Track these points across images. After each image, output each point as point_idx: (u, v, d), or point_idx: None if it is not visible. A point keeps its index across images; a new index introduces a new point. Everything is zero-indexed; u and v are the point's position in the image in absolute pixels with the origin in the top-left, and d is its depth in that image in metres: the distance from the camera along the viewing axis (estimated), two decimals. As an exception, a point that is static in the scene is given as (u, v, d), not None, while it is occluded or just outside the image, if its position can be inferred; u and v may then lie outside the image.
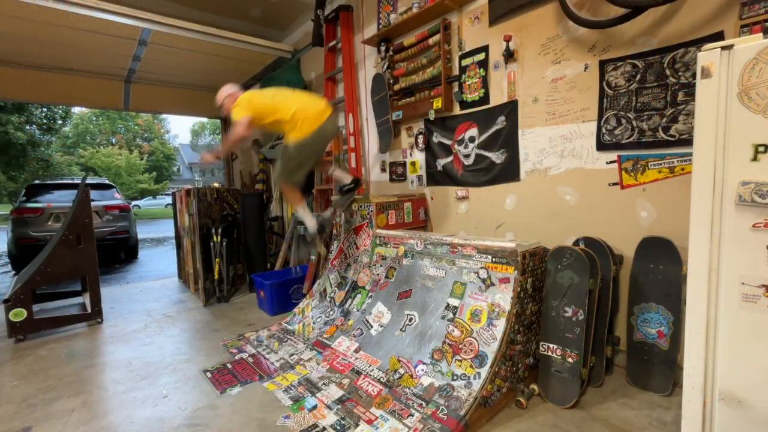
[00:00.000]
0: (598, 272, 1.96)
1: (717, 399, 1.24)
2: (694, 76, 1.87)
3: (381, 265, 2.76)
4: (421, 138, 3.35)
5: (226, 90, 2.91)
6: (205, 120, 30.23)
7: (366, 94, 3.86)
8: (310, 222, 2.92)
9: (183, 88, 5.54)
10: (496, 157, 2.80)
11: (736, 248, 1.18)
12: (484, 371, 1.81)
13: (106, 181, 8.04)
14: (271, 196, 5.58)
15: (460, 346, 1.97)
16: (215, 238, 3.93)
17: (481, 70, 2.84)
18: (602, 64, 2.21)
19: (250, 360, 2.53)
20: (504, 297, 1.96)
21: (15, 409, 2.06)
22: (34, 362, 2.64)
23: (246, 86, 5.60)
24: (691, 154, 1.80)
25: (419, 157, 3.42)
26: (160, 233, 12.11)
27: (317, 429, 1.77)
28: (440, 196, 3.29)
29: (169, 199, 22.09)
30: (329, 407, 1.93)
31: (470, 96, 2.93)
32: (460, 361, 1.92)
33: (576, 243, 2.27)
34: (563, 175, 2.45)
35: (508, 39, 2.59)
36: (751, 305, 1.17)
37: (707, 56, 1.20)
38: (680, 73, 1.94)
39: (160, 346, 2.86)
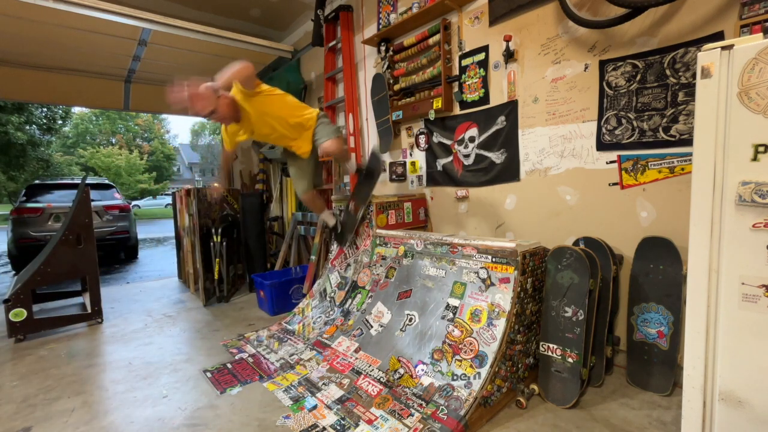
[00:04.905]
0: (598, 272, 1.96)
1: (717, 399, 1.24)
2: (694, 76, 1.88)
3: (381, 265, 2.76)
4: (421, 138, 3.35)
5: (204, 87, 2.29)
6: (205, 120, 30.18)
7: (366, 94, 3.86)
8: (331, 220, 3.22)
9: (183, 88, 5.54)
10: (496, 157, 2.80)
11: (736, 248, 1.18)
12: (484, 371, 1.81)
13: (106, 181, 8.04)
14: (271, 196, 5.58)
15: (460, 346, 1.97)
16: (215, 238, 3.93)
17: (481, 70, 2.84)
18: (602, 64, 2.21)
19: (250, 360, 2.53)
20: (504, 297, 1.96)
21: (15, 409, 2.06)
22: (34, 362, 2.64)
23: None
24: (691, 154, 1.80)
25: (419, 157, 3.42)
26: (160, 233, 12.12)
27: (317, 429, 1.77)
28: (440, 196, 3.29)
29: (169, 199, 22.10)
30: (329, 407, 1.93)
31: (470, 96, 2.93)
32: (460, 361, 1.92)
33: (576, 243, 2.27)
34: (563, 175, 2.45)
35: (508, 39, 2.59)
36: (751, 305, 1.17)
37: (707, 56, 1.20)
38: (680, 73, 1.94)
39: (160, 346, 2.86)
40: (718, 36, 1.81)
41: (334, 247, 3.32)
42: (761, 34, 1.36)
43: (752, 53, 1.13)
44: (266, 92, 2.57)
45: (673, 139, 1.98)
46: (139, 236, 9.08)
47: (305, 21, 4.73)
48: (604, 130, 2.23)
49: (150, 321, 3.43)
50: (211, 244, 3.94)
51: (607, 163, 2.24)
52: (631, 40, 2.10)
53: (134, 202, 21.88)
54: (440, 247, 2.37)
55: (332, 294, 3.04)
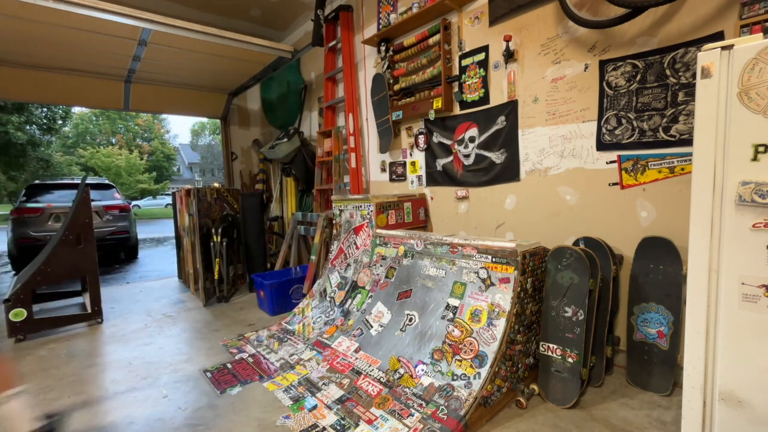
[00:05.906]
0: (598, 272, 1.96)
1: (717, 399, 1.24)
2: (694, 76, 1.88)
3: (381, 265, 2.76)
4: (421, 138, 3.35)
5: None
6: (205, 120, 30.24)
7: (366, 94, 3.86)
8: None
9: (183, 88, 5.53)
10: (496, 157, 2.80)
11: (736, 248, 1.18)
12: (484, 371, 1.81)
13: (106, 181, 8.04)
14: (271, 196, 5.59)
15: (460, 346, 1.97)
16: (215, 238, 3.93)
17: (481, 70, 2.84)
18: (602, 64, 2.21)
19: (250, 360, 2.53)
20: (504, 297, 1.96)
21: (15, 409, 2.06)
22: (34, 362, 2.64)
23: (246, 86, 5.61)
24: (691, 154, 1.80)
25: (419, 157, 3.42)
26: (160, 233, 12.11)
27: (317, 429, 1.77)
28: (440, 196, 3.29)
29: (169, 199, 22.10)
30: (329, 407, 1.93)
31: (470, 96, 2.93)
32: (460, 361, 1.92)
33: (576, 243, 2.27)
34: (563, 175, 2.45)
35: (508, 39, 2.59)
36: (751, 305, 1.17)
37: (707, 56, 1.20)
38: (680, 73, 1.94)
39: (160, 346, 2.86)
40: (718, 36, 1.81)
41: (334, 247, 3.32)
42: (761, 34, 1.36)
43: (752, 53, 1.13)
44: None
45: (673, 139, 1.98)
46: (139, 236, 9.09)
47: (305, 21, 4.74)
48: (604, 130, 2.23)
49: (150, 321, 3.43)
50: (211, 244, 3.94)
51: (607, 163, 2.24)
52: (631, 40, 2.10)
53: (134, 202, 21.88)
54: (440, 247, 2.36)
55: (332, 294, 3.04)
